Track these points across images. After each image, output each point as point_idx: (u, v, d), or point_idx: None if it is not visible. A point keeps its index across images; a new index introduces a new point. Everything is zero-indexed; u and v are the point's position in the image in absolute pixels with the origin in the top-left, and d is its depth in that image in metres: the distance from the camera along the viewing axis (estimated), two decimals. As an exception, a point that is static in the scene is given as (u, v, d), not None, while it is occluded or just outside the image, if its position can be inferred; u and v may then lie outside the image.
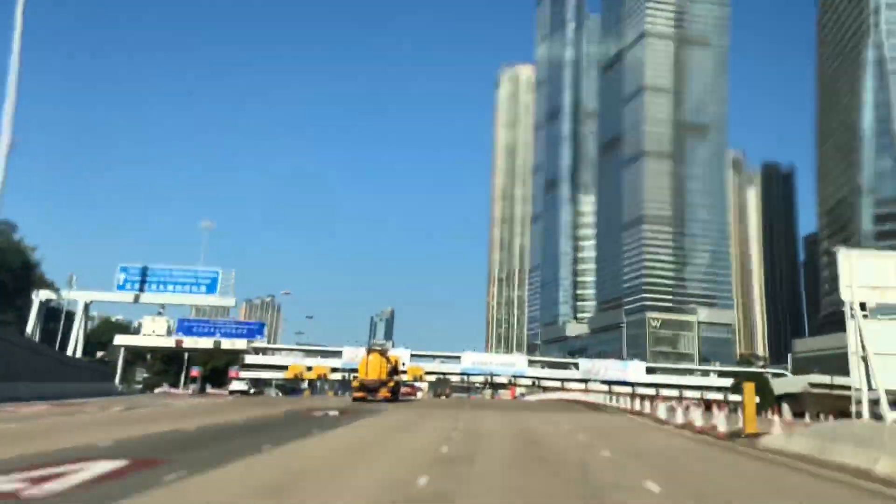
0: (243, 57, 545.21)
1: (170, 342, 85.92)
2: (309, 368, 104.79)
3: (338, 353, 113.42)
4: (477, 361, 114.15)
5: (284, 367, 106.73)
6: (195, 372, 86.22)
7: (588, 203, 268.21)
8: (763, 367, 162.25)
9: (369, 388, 46.76)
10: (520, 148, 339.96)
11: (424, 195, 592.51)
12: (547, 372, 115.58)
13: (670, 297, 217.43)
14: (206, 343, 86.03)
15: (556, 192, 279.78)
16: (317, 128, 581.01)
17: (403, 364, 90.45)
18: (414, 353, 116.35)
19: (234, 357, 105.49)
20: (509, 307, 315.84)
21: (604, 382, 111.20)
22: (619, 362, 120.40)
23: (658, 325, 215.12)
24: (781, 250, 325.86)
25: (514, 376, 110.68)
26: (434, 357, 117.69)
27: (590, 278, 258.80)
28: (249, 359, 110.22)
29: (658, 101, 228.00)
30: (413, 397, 73.74)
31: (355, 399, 46.90)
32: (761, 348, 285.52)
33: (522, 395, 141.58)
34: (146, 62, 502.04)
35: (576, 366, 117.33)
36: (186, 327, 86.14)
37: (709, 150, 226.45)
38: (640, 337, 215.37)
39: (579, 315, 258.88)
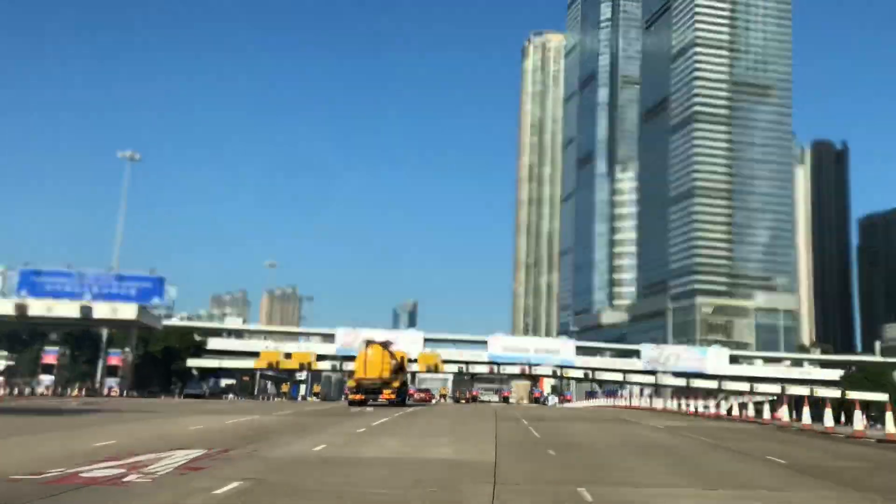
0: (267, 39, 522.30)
1: (5, 308, 56.94)
2: (288, 355, 79.32)
3: (330, 337, 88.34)
4: (509, 347, 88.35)
5: (256, 355, 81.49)
6: (49, 357, 57.31)
7: (627, 178, 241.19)
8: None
9: (368, 390, 39.52)
10: (548, 123, 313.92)
11: (446, 180, 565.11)
12: (600, 361, 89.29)
13: (724, 279, 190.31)
14: (67, 309, 57.04)
15: (590, 168, 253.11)
16: (328, 111, 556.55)
17: (413, 362, 67.22)
18: (429, 336, 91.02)
19: (191, 338, 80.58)
20: (537, 295, 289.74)
21: (676, 375, 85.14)
22: (694, 349, 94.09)
23: (710, 311, 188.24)
24: (832, 234, 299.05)
25: (559, 367, 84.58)
26: (454, 342, 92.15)
27: (628, 261, 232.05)
28: (213, 343, 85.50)
29: (711, 59, 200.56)
30: (427, 403, 55.70)
31: (352, 403, 39.88)
32: (806, 337, 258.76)
33: (558, 392, 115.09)
34: (139, 46, 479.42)
35: (636, 354, 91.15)
36: (33, 283, 56.94)
37: (770, 113, 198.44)
38: (689, 325, 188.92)
39: (616, 302, 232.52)
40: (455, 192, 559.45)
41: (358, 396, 39.22)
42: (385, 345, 42.00)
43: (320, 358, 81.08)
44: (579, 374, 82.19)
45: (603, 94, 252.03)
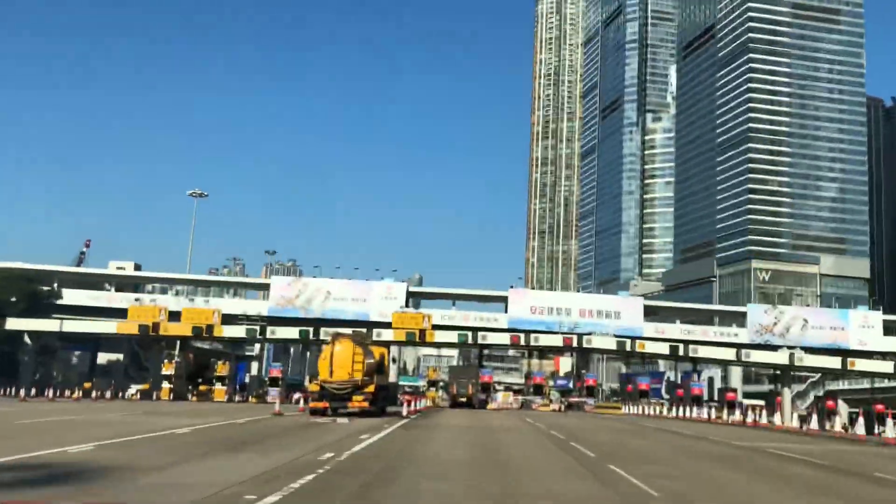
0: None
1: None
2: (174, 315, 47.51)
3: (262, 287, 56.71)
4: (542, 307, 56.79)
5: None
6: None
7: (659, 128, 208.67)
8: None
9: (335, 395, 31.41)
10: (565, 72, 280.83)
11: (452, 141, 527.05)
12: (684, 330, 57.38)
13: (784, 240, 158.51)
14: None
15: (616, 117, 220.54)
16: (328, 85, 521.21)
17: (386, 328, 48.75)
18: (416, 289, 59.29)
19: (29, 286, 49.05)
20: (553, 264, 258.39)
21: (807, 350, 53.28)
22: (827, 312, 62.33)
23: (767, 277, 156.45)
24: (889, 199, 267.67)
25: (626, 337, 52.82)
26: (456, 298, 60.40)
27: (661, 224, 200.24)
28: (69, 295, 53.74)
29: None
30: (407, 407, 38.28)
31: (314, 412, 31.97)
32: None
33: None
34: (142, 44, 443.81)
35: (736, 320, 59.33)
36: None
37: (839, 42, 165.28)
38: (740, 294, 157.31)
39: (648, 269, 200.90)
40: (462, 153, 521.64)
41: (321, 403, 31.61)
42: (358, 338, 33.30)
43: (228, 320, 49.29)
44: (663, 348, 50.17)
45: (632, 29, 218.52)
